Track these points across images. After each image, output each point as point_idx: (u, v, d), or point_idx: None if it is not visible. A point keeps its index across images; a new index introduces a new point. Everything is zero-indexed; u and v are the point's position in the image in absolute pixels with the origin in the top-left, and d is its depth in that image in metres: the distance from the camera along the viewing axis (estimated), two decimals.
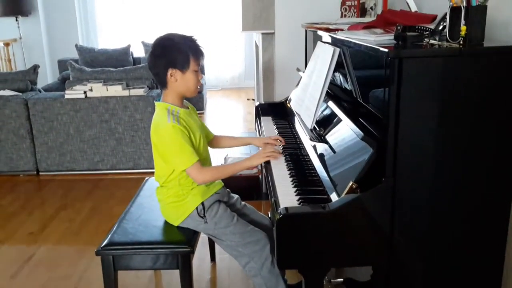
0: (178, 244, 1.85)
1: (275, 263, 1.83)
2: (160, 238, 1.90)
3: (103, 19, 7.47)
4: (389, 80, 1.32)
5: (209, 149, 2.07)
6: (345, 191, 1.39)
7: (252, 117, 5.52)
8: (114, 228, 1.96)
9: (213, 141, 2.12)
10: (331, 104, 1.94)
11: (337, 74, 2.03)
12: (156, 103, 1.90)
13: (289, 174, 1.79)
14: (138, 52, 6.55)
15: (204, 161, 1.93)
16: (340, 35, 1.82)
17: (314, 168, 1.74)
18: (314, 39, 2.45)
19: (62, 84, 5.23)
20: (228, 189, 2.08)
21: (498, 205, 1.43)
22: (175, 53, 1.80)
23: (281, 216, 1.38)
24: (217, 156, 3.02)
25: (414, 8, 1.89)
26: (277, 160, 1.92)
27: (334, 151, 1.65)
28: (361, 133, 1.52)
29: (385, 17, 1.82)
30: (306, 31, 2.76)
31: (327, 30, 2.08)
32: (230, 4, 7.14)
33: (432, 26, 1.53)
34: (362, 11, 2.73)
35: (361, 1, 2.73)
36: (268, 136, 2.20)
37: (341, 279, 2.00)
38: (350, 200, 1.36)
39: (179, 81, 1.83)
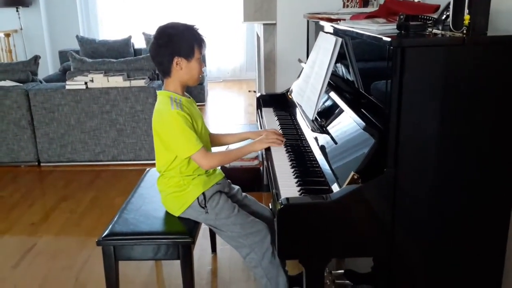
0: (179, 235, 1.85)
1: (275, 254, 1.83)
2: (161, 229, 1.90)
3: (104, 10, 7.45)
4: (391, 70, 1.31)
5: None
6: (347, 182, 1.38)
7: (254, 108, 5.51)
8: (115, 219, 1.96)
9: (210, 139, 2.10)
10: (332, 95, 1.93)
11: (339, 64, 2.02)
12: (158, 91, 1.90)
13: (291, 165, 1.79)
14: (139, 43, 6.53)
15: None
16: (342, 25, 1.81)
17: (316, 159, 1.73)
18: (316, 29, 2.43)
19: (63, 75, 5.22)
20: (229, 180, 2.08)
21: (500, 197, 1.42)
22: (180, 41, 1.81)
23: (282, 206, 1.38)
24: (217, 149, 3.01)
25: None
26: (278, 151, 1.91)
27: (335, 142, 1.64)
28: (363, 124, 1.51)
29: (388, 7, 1.80)
30: (308, 21, 2.73)
31: (329, 20, 2.07)
32: None
33: (435, 16, 1.51)
34: (365, 1, 2.71)
35: None
36: (266, 129, 2.19)
37: (342, 271, 2.00)
38: (351, 191, 1.35)
39: (184, 69, 1.83)
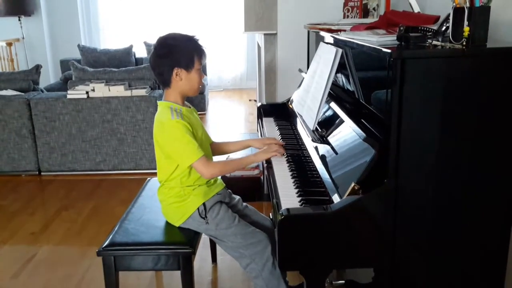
0: (179, 245, 1.85)
1: (276, 265, 1.83)
2: (161, 239, 1.89)
3: (105, 20, 7.48)
4: (391, 81, 1.31)
5: None
6: (347, 193, 1.38)
7: (254, 118, 5.52)
8: (116, 229, 1.96)
9: (212, 147, 2.10)
10: (333, 105, 1.94)
11: (339, 75, 2.03)
12: (159, 102, 1.91)
13: (291, 175, 1.79)
14: (140, 52, 6.55)
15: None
16: (342, 36, 1.82)
17: (316, 169, 1.73)
18: (316, 40, 2.44)
19: (65, 84, 5.23)
20: (229, 190, 2.08)
21: (501, 206, 1.42)
22: (180, 52, 1.81)
23: (283, 217, 1.38)
24: (218, 158, 3.01)
25: (416, 9, 1.88)
26: (279, 161, 1.91)
27: (336, 152, 1.64)
28: (363, 134, 1.51)
29: (388, 18, 1.82)
30: (308, 31, 2.75)
31: (330, 31, 2.08)
32: (233, 4, 7.15)
33: (435, 27, 1.52)
34: (365, 12, 2.72)
35: (363, 2, 2.72)
36: (268, 137, 2.19)
37: (343, 281, 1.99)
38: (352, 202, 1.36)
39: (183, 80, 1.84)
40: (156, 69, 1.85)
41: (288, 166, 1.87)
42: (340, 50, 1.79)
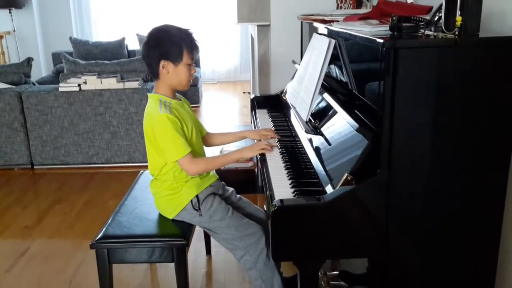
0: (173, 237, 1.84)
1: (270, 256, 1.83)
2: (155, 231, 1.89)
3: (97, 12, 7.42)
4: (384, 71, 1.31)
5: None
6: (340, 183, 1.38)
7: (248, 110, 5.51)
8: (109, 222, 1.95)
9: (206, 138, 2.10)
10: (326, 96, 1.93)
11: (332, 66, 2.02)
12: (149, 94, 1.89)
13: (285, 166, 1.79)
14: (133, 44, 6.51)
15: (198, 154, 1.91)
16: (335, 27, 1.81)
17: (310, 160, 1.73)
18: (310, 31, 2.43)
19: (56, 77, 5.20)
20: (223, 182, 2.08)
21: (493, 197, 1.43)
22: (169, 45, 1.79)
23: (276, 208, 1.38)
24: (212, 150, 3.01)
25: None
26: (272, 153, 1.91)
27: (329, 143, 1.64)
28: (356, 125, 1.51)
29: (381, 8, 1.81)
30: (301, 23, 2.74)
31: (323, 21, 2.07)
32: None
33: (427, 17, 1.52)
34: (358, 2, 2.71)
35: None
36: (263, 128, 2.19)
37: (337, 272, 2.00)
38: (345, 192, 1.36)
39: (171, 73, 1.82)
40: (146, 60, 1.84)
41: (282, 158, 1.87)
42: (333, 41, 1.78)
